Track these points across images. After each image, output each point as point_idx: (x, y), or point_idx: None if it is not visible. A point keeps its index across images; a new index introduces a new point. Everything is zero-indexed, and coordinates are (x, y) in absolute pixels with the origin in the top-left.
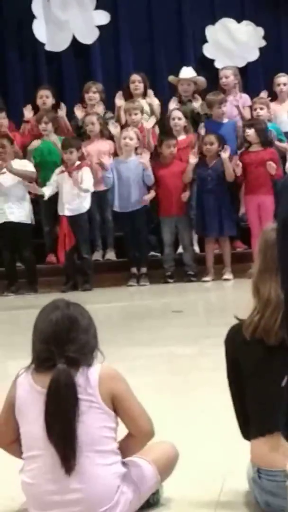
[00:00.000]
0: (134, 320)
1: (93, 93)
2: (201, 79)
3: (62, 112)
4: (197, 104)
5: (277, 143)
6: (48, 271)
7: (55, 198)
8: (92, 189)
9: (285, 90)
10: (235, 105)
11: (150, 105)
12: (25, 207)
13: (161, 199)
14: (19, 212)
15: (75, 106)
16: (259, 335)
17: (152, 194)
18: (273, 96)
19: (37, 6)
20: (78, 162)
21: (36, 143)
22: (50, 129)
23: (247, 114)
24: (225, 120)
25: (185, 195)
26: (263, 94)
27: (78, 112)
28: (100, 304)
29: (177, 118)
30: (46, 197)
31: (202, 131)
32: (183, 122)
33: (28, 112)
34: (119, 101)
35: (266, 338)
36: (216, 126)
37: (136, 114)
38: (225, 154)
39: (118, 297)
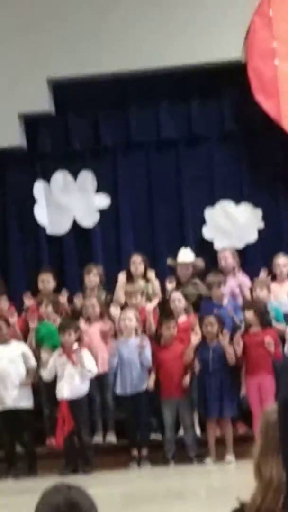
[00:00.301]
0: (134, 504)
1: (93, 276)
2: (199, 261)
3: (63, 298)
4: (196, 285)
5: (275, 324)
6: (48, 454)
7: (55, 380)
8: (95, 370)
9: (284, 271)
10: (235, 286)
11: (151, 285)
12: (25, 392)
13: (162, 381)
14: (19, 398)
15: (75, 295)
16: None
17: (153, 377)
18: (273, 277)
19: (38, 190)
20: (76, 344)
21: (35, 323)
22: (50, 312)
23: (247, 295)
24: (225, 301)
25: (186, 381)
26: (263, 273)
27: (78, 301)
28: (101, 488)
29: (177, 299)
30: (44, 380)
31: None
32: (183, 303)
33: (28, 300)
34: (121, 279)
35: None
36: (215, 307)
37: (135, 297)
38: (224, 340)
39: (118, 480)
